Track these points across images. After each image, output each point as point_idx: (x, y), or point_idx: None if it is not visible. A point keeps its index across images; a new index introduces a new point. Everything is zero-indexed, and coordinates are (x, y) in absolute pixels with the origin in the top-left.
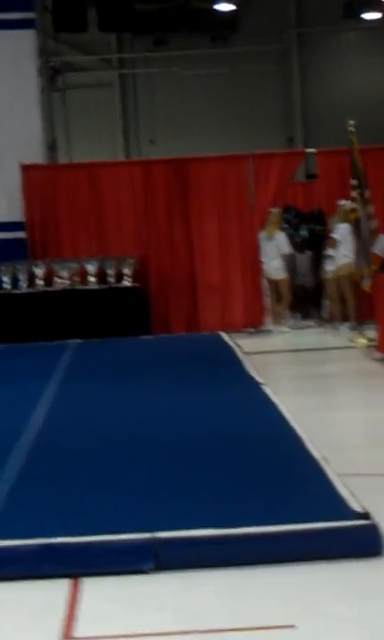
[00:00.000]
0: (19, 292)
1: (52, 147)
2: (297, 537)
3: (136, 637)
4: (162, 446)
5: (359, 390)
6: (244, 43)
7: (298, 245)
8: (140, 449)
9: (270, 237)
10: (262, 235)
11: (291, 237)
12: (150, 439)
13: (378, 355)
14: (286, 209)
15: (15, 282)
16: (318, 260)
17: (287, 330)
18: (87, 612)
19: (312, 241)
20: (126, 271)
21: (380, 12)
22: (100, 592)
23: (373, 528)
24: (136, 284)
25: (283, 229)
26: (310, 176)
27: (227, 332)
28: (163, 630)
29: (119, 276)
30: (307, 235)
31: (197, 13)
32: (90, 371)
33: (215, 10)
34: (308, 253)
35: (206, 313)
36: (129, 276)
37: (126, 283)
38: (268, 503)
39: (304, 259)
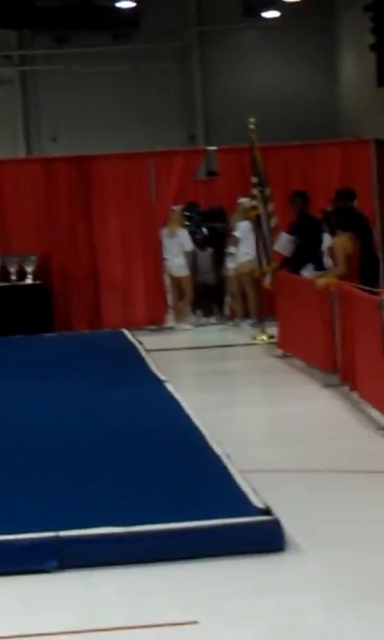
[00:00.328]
0: None
1: None
2: (199, 533)
3: (36, 637)
4: (64, 444)
5: (260, 387)
6: (145, 40)
7: (199, 243)
8: (43, 447)
9: (172, 235)
10: (164, 232)
11: (193, 235)
12: (52, 437)
13: (278, 352)
14: (189, 206)
15: None
16: (220, 258)
17: (189, 327)
18: None
19: (213, 238)
20: (28, 269)
21: (279, 10)
22: (1, 591)
23: (275, 524)
24: (38, 282)
25: (185, 227)
26: (211, 173)
27: (129, 330)
28: (64, 629)
29: (21, 274)
30: (207, 232)
31: (98, 11)
32: None
33: (116, 7)
34: (210, 251)
35: (109, 310)
36: (31, 274)
37: (28, 280)
38: (171, 500)
39: (206, 256)
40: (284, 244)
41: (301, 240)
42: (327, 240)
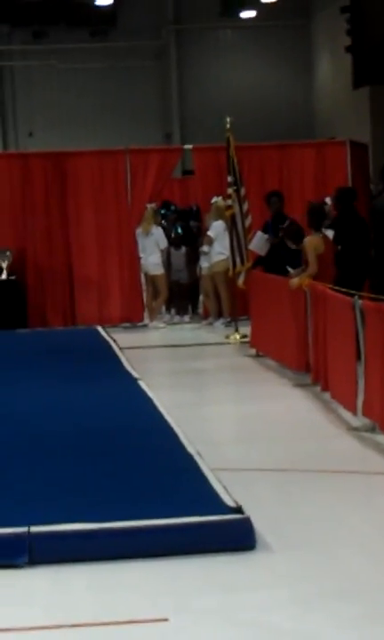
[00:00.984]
0: None
1: None
2: (171, 531)
3: (6, 632)
4: (36, 441)
5: (232, 386)
6: (122, 38)
7: (174, 241)
8: (15, 443)
9: (147, 233)
10: (138, 231)
11: (167, 233)
12: (25, 434)
13: (251, 351)
14: (165, 204)
15: None
16: (194, 257)
17: (163, 325)
18: None
19: (188, 237)
20: (3, 264)
21: (256, 10)
22: None
23: (246, 522)
24: (13, 277)
25: (160, 225)
26: (187, 172)
27: (103, 327)
28: (34, 625)
29: None
30: (181, 231)
31: (76, 7)
32: None
33: (94, 4)
34: (184, 249)
35: (83, 307)
36: (6, 269)
37: (3, 276)
38: (142, 497)
39: (180, 255)
40: (259, 243)
41: (277, 239)
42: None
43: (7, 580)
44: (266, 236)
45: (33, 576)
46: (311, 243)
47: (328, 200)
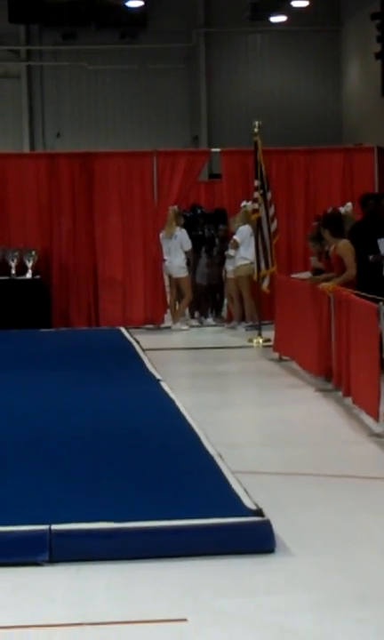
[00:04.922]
0: None
1: None
2: (190, 532)
3: (26, 628)
4: (58, 440)
5: (254, 389)
6: (151, 40)
7: (199, 244)
8: (36, 442)
9: (170, 236)
10: (162, 235)
11: (193, 236)
12: (46, 433)
13: (274, 355)
14: (192, 207)
15: None
16: (219, 260)
17: (186, 327)
18: None
19: (213, 240)
20: (28, 263)
21: (286, 15)
22: None
23: (266, 525)
24: (37, 277)
25: (184, 227)
26: (213, 175)
27: (126, 328)
28: (53, 622)
29: (21, 268)
30: (207, 234)
31: (106, 9)
32: None
33: (125, 6)
34: (209, 252)
35: (107, 308)
36: (31, 269)
37: (28, 275)
38: (163, 498)
39: (205, 258)
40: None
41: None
42: None
43: (27, 577)
44: None
45: (53, 574)
46: (348, 246)
47: (349, 205)
